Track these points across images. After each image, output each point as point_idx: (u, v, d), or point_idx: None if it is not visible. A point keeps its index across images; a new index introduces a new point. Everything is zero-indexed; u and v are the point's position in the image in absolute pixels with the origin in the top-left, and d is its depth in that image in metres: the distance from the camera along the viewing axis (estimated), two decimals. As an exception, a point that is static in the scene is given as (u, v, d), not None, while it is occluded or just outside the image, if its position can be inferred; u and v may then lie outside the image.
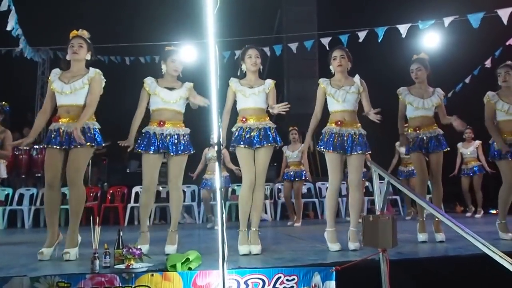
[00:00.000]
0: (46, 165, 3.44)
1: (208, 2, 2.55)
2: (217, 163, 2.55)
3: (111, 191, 8.19)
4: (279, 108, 3.53)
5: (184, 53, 4.40)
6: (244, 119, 3.68)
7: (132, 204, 7.95)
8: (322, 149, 3.74)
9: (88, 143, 3.41)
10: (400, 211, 8.95)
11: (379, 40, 7.47)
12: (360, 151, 3.68)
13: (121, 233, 3.03)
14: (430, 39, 8.52)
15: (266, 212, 8.45)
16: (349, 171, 3.76)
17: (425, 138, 4.21)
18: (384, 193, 2.94)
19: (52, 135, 3.42)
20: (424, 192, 4.27)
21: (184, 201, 7.96)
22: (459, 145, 7.85)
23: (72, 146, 3.37)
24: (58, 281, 2.53)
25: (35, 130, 3.56)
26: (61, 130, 3.41)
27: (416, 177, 4.44)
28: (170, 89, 3.77)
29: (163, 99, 3.72)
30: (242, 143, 3.62)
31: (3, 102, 5.48)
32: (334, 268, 2.73)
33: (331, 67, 3.88)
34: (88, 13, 9.37)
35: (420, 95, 4.24)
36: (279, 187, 8.35)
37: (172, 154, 3.71)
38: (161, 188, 8.21)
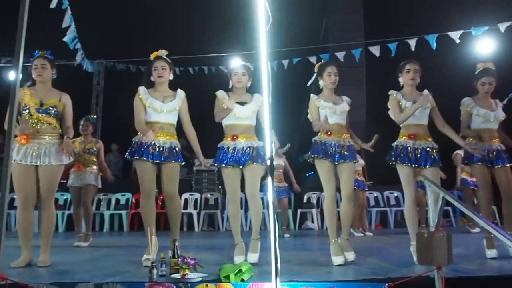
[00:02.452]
0: (141, 176, 3.69)
1: (260, 19, 2.64)
2: (269, 178, 2.61)
3: (161, 198, 8.42)
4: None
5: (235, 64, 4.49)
6: (329, 133, 3.76)
7: (181, 210, 8.16)
8: (397, 162, 3.73)
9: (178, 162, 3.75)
10: (452, 222, 8.68)
11: (434, 48, 7.29)
12: (434, 165, 3.69)
13: (176, 243, 3.14)
14: (484, 45, 8.21)
15: (312, 221, 8.44)
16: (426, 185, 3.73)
17: (491, 150, 4.05)
18: (438, 208, 2.89)
19: (143, 149, 3.66)
20: (489, 208, 4.09)
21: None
22: None
23: (164, 161, 3.68)
24: (119, 288, 2.67)
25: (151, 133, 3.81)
26: (153, 145, 3.66)
27: (481, 191, 4.20)
28: (242, 104, 3.83)
29: (235, 115, 3.79)
30: (324, 156, 3.72)
31: (92, 115, 5.87)
32: (387, 284, 2.70)
33: (400, 79, 3.88)
34: (139, 25, 9.76)
35: (489, 107, 4.12)
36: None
37: (246, 165, 3.76)
38: (209, 196, 8.41)
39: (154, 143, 3.67)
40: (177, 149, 3.78)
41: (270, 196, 2.53)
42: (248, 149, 3.78)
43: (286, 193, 7.10)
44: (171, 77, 3.87)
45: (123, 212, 8.29)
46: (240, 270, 2.86)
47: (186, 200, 8.35)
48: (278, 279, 2.41)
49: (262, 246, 3.74)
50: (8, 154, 2.71)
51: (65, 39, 6.46)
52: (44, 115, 3.64)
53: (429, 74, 9.07)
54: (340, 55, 9.20)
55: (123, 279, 2.89)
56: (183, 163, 3.87)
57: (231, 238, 3.87)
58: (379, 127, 4.44)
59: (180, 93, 3.89)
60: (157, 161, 3.66)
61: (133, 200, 8.27)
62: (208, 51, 8.69)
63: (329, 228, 3.74)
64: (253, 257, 3.66)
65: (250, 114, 3.82)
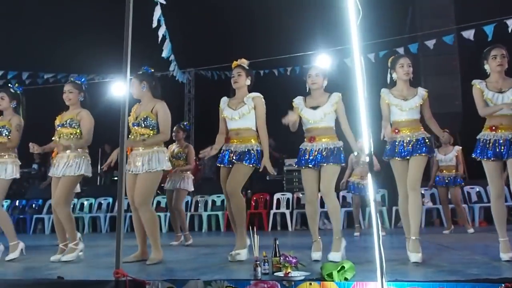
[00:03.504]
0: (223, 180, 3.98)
1: (351, 13, 2.62)
2: (369, 174, 2.58)
3: (254, 198, 8.67)
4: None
5: (321, 62, 4.52)
6: (397, 131, 3.71)
7: (274, 210, 8.34)
8: (480, 158, 3.52)
9: (251, 165, 3.90)
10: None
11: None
12: None
13: (277, 242, 3.22)
14: None
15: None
16: (510, 178, 3.47)
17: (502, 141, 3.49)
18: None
19: (223, 155, 3.97)
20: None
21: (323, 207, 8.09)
22: None
23: (237, 162, 3.88)
24: (227, 285, 2.79)
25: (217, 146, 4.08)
26: (231, 151, 3.94)
27: (491, 189, 3.58)
28: (315, 108, 3.87)
29: (309, 120, 3.87)
30: (396, 155, 3.67)
31: (185, 122, 6.25)
32: (504, 285, 2.53)
33: (486, 66, 3.62)
34: (223, 31, 10.08)
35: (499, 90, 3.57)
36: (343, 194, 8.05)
37: (322, 165, 3.80)
38: (300, 195, 8.44)
39: (229, 149, 3.96)
40: (252, 152, 3.91)
41: (371, 193, 2.50)
42: (325, 150, 3.81)
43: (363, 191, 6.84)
44: (248, 82, 4.06)
45: (219, 213, 8.62)
46: (342, 267, 2.85)
47: (278, 200, 8.48)
48: (384, 278, 2.38)
49: (355, 245, 3.70)
50: (122, 164, 2.98)
51: (163, 54, 6.90)
52: (137, 127, 3.97)
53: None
54: (430, 43, 8.76)
55: (229, 276, 3.02)
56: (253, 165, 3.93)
57: (326, 237, 3.88)
58: (477, 118, 4.14)
59: (251, 97, 4.01)
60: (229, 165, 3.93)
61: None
62: (295, 51, 8.73)
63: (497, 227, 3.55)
64: (336, 256, 3.66)
65: (322, 117, 3.84)
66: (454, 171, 6.65)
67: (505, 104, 3.42)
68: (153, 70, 4.19)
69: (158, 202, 8.96)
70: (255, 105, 3.97)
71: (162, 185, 5.85)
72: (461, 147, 6.87)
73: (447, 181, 6.65)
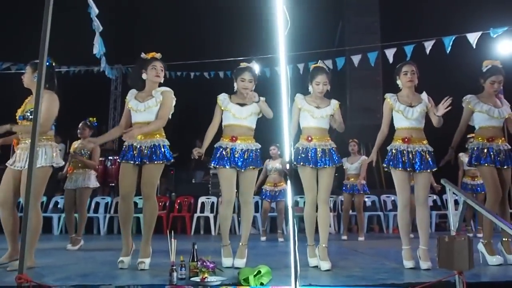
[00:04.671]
0: (121, 178, 3.66)
1: (279, 24, 2.66)
2: (289, 182, 2.63)
3: (178, 201, 8.51)
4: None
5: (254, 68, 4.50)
6: (406, 140, 3.75)
7: (198, 214, 8.25)
8: (390, 167, 3.71)
9: (161, 161, 3.62)
10: (472, 227, 8.54)
11: (447, 51, 7.22)
12: (429, 169, 3.65)
13: (195, 246, 3.17)
14: (503, 47, 8.12)
15: (330, 226, 8.40)
16: (416, 188, 3.71)
17: (498, 150, 3.97)
18: (460, 212, 2.86)
19: (126, 151, 3.65)
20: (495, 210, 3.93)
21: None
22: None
23: (146, 162, 3.58)
24: (140, 291, 2.70)
25: (104, 137, 3.95)
26: (134, 146, 3.62)
27: (488, 193, 3.99)
28: (242, 105, 3.86)
29: (234, 115, 3.84)
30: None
31: (91, 118, 5.94)
32: (408, 289, 2.69)
33: (398, 81, 3.85)
34: (155, 30, 9.86)
35: (494, 104, 4.04)
36: (342, 199, 8.29)
37: (242, 169, 3.80)
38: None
39: (134, 145, 3.64)
40: (161, 148, 3.66)
41: (289, 200, 2.55)
42: (246, 152, 3.80)
43: (281, 196, 7.00)
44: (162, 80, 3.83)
45: (140, 215, 8.31)
46: (259, 272, 2.87)
47: (202, 204, 8.40)
48: (298, 282, 2.42)
49: (277, 250, 3.75)
50: (32, 159, 2.78)
51: (94, 51, 6.57)
52: (22, 120, 3.72)
53: (445, 76, 8.98)
54: (356, 58, 9.17)
55: (143, 281, 2.93)
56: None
57: (250, 241, 3.88)
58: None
59: (160, 90, 3.75)
60: (137, 162, 3.61)
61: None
62: (224, 56, 8.73)
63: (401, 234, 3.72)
64: (241, 262, 3.65)
65: (248, 116, 3.84)
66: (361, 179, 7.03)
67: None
68: (52, 62, 3.88)
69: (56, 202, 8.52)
70: (164, 97, 3.72)
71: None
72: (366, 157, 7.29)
73: (351, 189, 7.02)
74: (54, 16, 2.97)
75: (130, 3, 9.63)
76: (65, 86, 4.11)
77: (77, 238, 5.49)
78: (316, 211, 3.74)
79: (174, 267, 2.89)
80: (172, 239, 3.16)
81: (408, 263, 3.55)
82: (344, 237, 6.97)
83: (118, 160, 3.86)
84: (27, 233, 3.44)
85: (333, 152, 3.78)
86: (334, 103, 3.85)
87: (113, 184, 9.02)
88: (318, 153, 3.73)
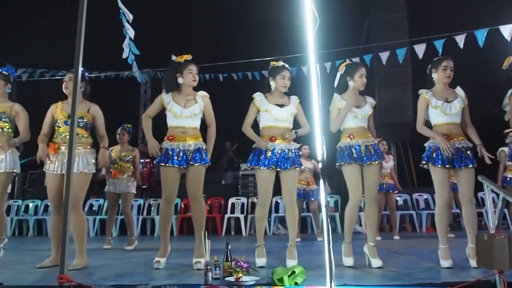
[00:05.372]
0: (165, 182, 3.72)
1: (308, 21, 2.65)
2: (321, 180, 2.61)
3: (209, 202, 8.60)
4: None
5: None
6: (446, 136, 3.67)
7: (228, 214, 8.32)
8: (429, 164, 3.63)
9: (206, 164, 3.73)
10: (508, 225, 8.29)
11: (481, 45, 7.02)
12: (470, 165, 3.56)
13: (229, 246, 3.20)
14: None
15: (360, 224, 8.32)
16: (459, 185, 3.64)
17: None
18: (498, 210, 2.79)
19: (169, 154, 3.68)
20: None
21: (278, 212, 8.15)
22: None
23: (194, 164, 3.66)
24: (177, 290, 2.75)
25: (148, 134, 3.86)
26: (178, 150, 3.68)
27: (438, 197, 3.72)
28: (281, 106, 3.85)
29: (275, 116, 3.81)
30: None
31: (128, 124, 6.10)
32: (446, 288, 2.63)
33: (434, 75, 3.76)
34: (185, 34, 9.97)
35: None
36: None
37: (283, 169, 3.78)
38: (255, 200, 8.44)
39: (179, 147, 3.69)
40: (204, 150, 3.75)
41: (322, 199, 2.54)
42: (287, 152, 3.79)
43: (315, 196, 6.98)
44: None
45: (173, 217, 8.46)
46: (293, 272, 2.87)
47: (232, 204, 8.47)
48: (333, 282, 2.41)
49: (310, 250, 3.73)
50: (70, 165, 2.87)
51: (124, 55, 6.72)
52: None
53: (478, 72, 8.70)
54: (384, 55, 9.04)
55: (179, 281, 2.97)
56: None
57: (280, 242, 3.89)
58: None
59: (201, 95, 3.84)
60: (183, 166, 3.67)
61: (182, 205, 8.44)
62: (252, 57, 8.77)
63: (439, 233, 3.64)
64: (293, 263, 3.61)
65: (288, 117, 3.84)
66: (390, 179, 6.95)
67: (439, 136, 3.58)
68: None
69: (91, 205, 8.74)
70: (206, 105, 3.83)
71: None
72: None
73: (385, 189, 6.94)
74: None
75: (154, 7, 9.78)
76: (94, 92, 4.23)
77: (132, 239, 5.78)
78: (360, 210, 3.74)
79: (209, 267, 2.92)
80: (206, 239, 3.19)
81: (445, 263, 3.48)
82: (378, 238, 6.87)
83: (156, 162, 3.91)
84: (78, 235, 3.69)
85: (376, 148, 3.75)
86: (371, 101, 3.87)
87: (145, 187, 9.19)
88: (362, 150, 3.71)
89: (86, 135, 3.93)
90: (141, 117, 3.92)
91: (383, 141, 7.06)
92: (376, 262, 3.53)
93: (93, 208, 8.66)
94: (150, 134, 3.81)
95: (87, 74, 4.22)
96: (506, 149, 6.72)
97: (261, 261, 3.71)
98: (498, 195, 2.88)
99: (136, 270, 3.58)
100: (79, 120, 3.82)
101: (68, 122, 3.81)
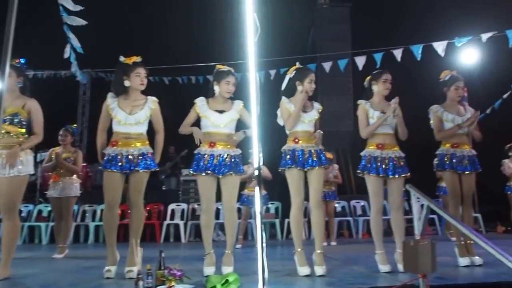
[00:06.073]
0: (107, 187, 3.57)
1: (249, 30, 2.66)
2: (257, 187, 2.61)
3: (148, 208, 8.38)
4: None
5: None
6: (380, 146, 3.80)
7: (168, 221, 8.14)
8: (364, 173, 3.75)
9: (149, 169, 3.60)
10: (437, 231, 8.76)
11: (418, 58, 7.40)
12: (403, 175, 3.72)
13: (162, 254, 3.11)
14: (468, 55, 8.40)
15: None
16: (389, 194, 3.78)
17: (462, 156, 4.09)
18: (423, 217, 2.92)
19: (111, 159, 3.55)
20: (458, 213, 4.08)
21: (218, 218, 8.08)
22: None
23: (137, 170, 3.54)
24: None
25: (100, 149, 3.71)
26: (121, 155, 3.55)
27: (372, 203, 3.87)
28: (221, 112, 3.78)
29: (214, 122, 3.75)
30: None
31: (72, 124, 5.79)
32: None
33: (374, 87, 3.88)
34: (128, 35, 9.72)
35: (457, 113, 4.16)
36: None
37: (220, 175, 3.72)
38: (196, 206, 8.35)
39: (122, 153, 3.58)
40: (148, 156, 3.65)
41: (257, 206, 2.53)
42: (227, 157, 3.74)
43: (264, 202, 7.01)
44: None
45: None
46: (227, 281, 2.85)
47: (172, 211, 8.31)
48: (265, 288, 2.41)
49: (248, 256, 3.73)
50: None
51: (66, 55, 6.44)
52: (4, 124, 3.52)
53: (414, 85, 9.18)
54: (327, 65, 9.30)
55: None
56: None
57: (219, 249, 3.85)
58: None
59: (150, 101, 3.73)
60: (126, 171, 3.56)
61: (119, 211, 8.12)
62: (196, 62, 8.70)
63: (375, 238, 3.73)
64: (229, 270, 3.57)
65: (228, 123, 3.79)
66: (331, 186, 7.14)
67: (382, 119, 3.72)
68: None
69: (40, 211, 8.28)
70: (154, 112, 3.71)
71: (45, 192, 5.45)
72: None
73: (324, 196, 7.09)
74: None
75: (96, 6, 9.49)
76: (33, 91, 3.96)
77: (63, 246, 5.42)
78: (304, 216, 3.72)
79: (141, 276, 2.83)
80: (139, 247, 3.10)
81: (384, 267, 3.58)
82: (324, 243, 6.98)
83: (100, 168, 3.71)
84: (8, 243, 3.49)
85: (321, 154, 3.75)
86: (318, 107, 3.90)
87: (80, 192, 8.80)
88: (305, 154, 3.68)
89: (22, 133, 3.64)
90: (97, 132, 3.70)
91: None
92: (318, 270, 3.48)
93: (22, 215, 8.15)
94: (100, 151, 3.68)
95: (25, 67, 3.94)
96: (507, 161, 6.99)
97: (209, 270, 3.58)
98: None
99: (63, 279, 3.41)
100: (12, 117, 3.57)
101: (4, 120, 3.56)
